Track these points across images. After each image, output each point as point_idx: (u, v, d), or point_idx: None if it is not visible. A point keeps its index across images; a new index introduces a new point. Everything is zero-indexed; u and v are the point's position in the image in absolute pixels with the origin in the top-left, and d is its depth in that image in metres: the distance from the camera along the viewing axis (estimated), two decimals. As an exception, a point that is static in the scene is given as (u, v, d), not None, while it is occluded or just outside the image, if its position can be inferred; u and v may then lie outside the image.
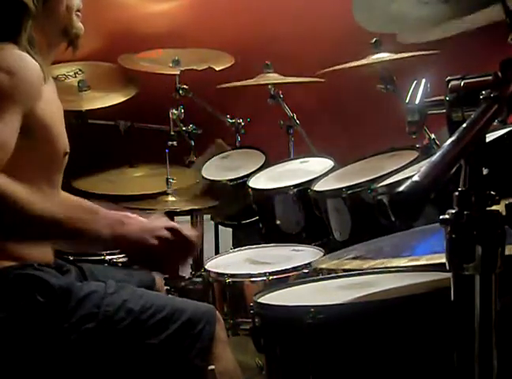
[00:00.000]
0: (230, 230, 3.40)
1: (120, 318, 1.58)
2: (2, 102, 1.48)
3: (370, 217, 2.12)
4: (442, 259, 0.91)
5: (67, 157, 1.72)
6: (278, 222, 2.68)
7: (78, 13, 1.72)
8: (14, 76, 1.52)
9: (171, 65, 3.25)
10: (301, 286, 1.75)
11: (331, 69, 2.80)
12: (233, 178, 2.95)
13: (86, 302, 1.58)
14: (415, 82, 1.10)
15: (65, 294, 1.57)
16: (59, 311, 1.55)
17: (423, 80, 1.09)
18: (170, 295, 2.88)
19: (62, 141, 1.67)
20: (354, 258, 1.47)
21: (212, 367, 1.62)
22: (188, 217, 3.40)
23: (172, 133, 3.16)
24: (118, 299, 1.61)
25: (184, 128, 3.26)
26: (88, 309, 1.58)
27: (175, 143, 3.11)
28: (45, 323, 1.54)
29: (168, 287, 3.01)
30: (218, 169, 3.13)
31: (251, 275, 2.21)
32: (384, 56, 2.65)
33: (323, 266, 1.87)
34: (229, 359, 1.70)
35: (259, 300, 1.60)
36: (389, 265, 1.40)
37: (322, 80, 3.06)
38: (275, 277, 2.17)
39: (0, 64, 1.52)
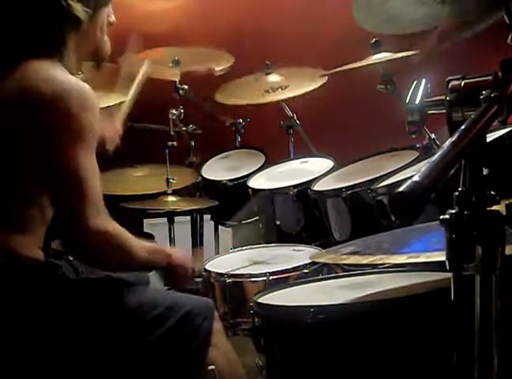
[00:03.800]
0: (230, 230, 3.40)
1: (116, 313, 1.59)
2: (87, 138, 1.55)
3: (370, 217, 2.12)
4: (441, 257, 0.91)
5: None
6: (278, 222, 2.68)
7: (107, 37, 1.78)
8: (89, 113, 1.57)
9: (171, 65, 3.25)
10: (301, 286, 1.75)
11: (333, 71, 2.80)
12: (233, 178, 2.95)
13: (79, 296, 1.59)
14: (415, 82, 1.10)
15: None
16: (54, 307, 1.55)
17: (423, 81, 1.09)
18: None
19: None
20: (353, 253, 1.47)
21: (213, 367, 1.62)
22: (188, 217, 3.40)
23: (172, 133, 3.16)
24: (115, 294, 1.62)
25: (184, 128, 3.26)
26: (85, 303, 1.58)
27: (175, 143, 3.12)
28: (41, 318, 1.54)
29: (168, 287, 3.01)
30: (218, 169, 3.14)
31: (251, 275, 2.21)
32: (385, 56, 2.65)
33: (321, 260, 1.86)
34: (227, 347, 1.72)
35: (259, 300, 1.60)
36: (388, 261, 1.40)
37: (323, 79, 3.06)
38: (275, 277, 2.17)
39: (83, 102, 1.56)
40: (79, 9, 1.64)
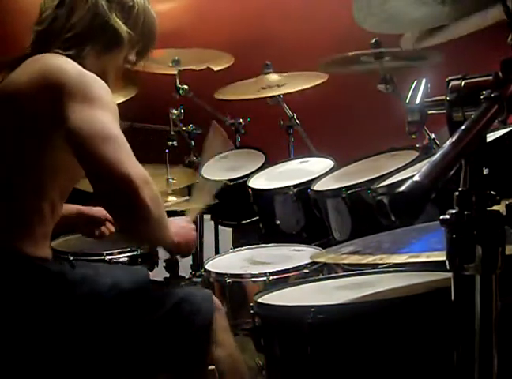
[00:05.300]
0: (230, 230, 3.40)
1: (113, 297, 1.62)
2: (108, 105, 1.58)
3: (370, 217, 2.12)
4: (441, 257, 0.91)
5: None
6: (278, 222, 2.68)
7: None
8: (105, 89, 1.61)
9: (170, 65, 3.25)
10: (301, 286, 1.75)
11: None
12: (233, 178, 2.95)
13: (80, 284, 1.62)
14: (415, 82, 1.10)
15: (60, 277, 1.61)
16: (55, 294, 1.59)
17: (424, 81, 1.09)
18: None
19: None
20: (353, 253, 1.47)
21: (213, 367, 1.62)
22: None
23: (172, 133, 3.16)
24: (110, 280, 1.66)
25: (184, 128, 3.26)
26: (82, 290, 1.61)
27: (175, 143, 3.12)
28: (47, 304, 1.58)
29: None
30: (218, 169, 3.13)
31: (251, 276, 2.21)
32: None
33: (321, 260, 1.86)
34: (231, 345, 1.73)
35: (259, 300, 1.60)
36: (388, 261, 1.39)
37: (322, 74, 3.06)
38: (275, 277, 2.17)
39: (100, 83, 1.61)
40: (123, 29, 1.71)
